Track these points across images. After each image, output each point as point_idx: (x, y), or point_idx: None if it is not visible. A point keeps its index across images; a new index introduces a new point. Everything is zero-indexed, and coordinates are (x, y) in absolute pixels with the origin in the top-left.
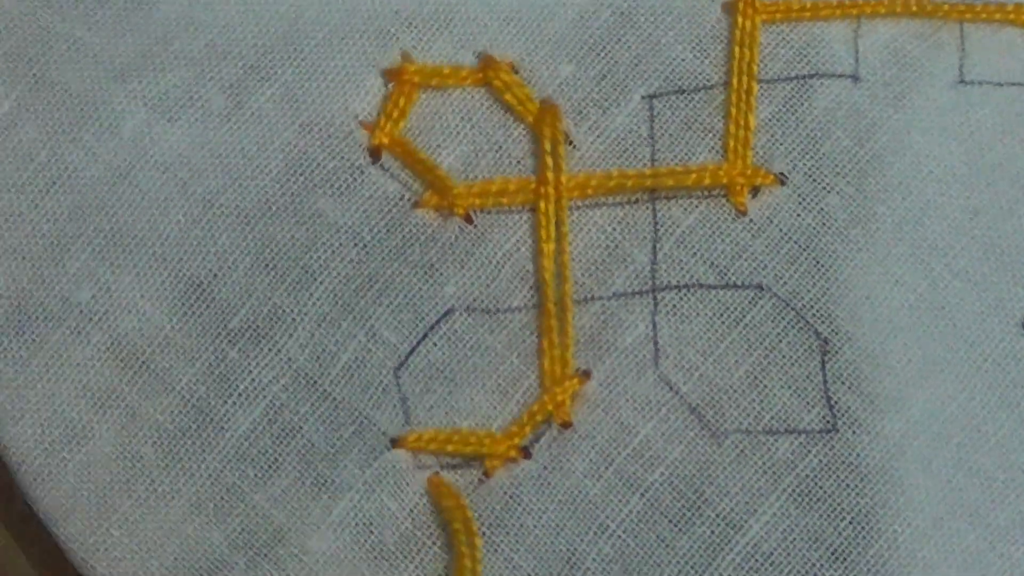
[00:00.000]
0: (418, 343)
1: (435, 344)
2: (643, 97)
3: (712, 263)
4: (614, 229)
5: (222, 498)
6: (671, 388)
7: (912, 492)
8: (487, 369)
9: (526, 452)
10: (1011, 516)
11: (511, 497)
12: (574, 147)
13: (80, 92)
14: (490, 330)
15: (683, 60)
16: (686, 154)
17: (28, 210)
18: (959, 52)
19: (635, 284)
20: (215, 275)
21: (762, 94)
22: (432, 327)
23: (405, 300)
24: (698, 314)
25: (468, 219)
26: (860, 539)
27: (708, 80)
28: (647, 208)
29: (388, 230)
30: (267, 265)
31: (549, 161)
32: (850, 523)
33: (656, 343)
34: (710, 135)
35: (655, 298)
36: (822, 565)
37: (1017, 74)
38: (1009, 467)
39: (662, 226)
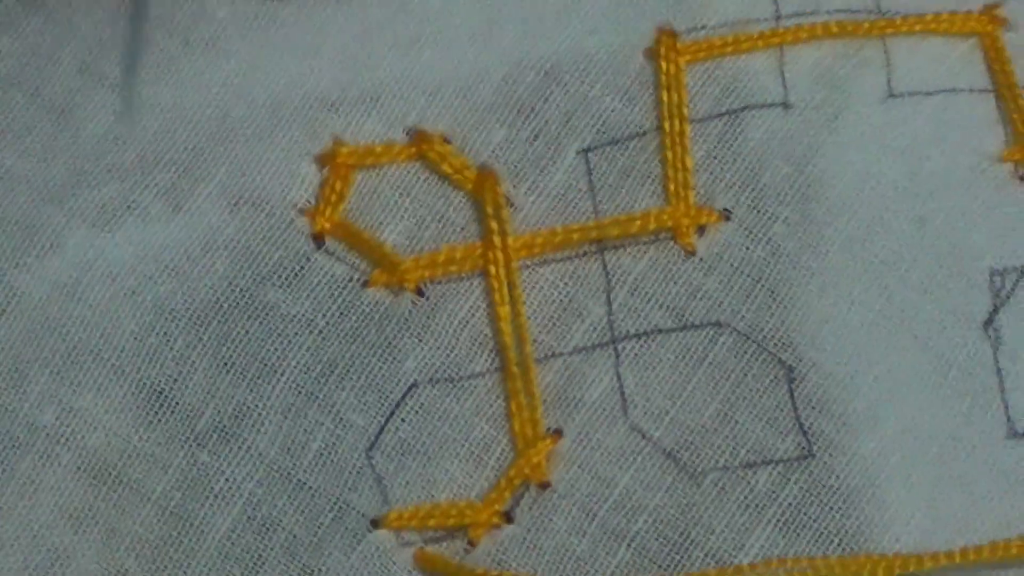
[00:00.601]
0: (386, 422)
1: (403, 420)
2: (578, 152)
3: (668, 307)
4: (566, 284)
5: None
6: (644, 436)
7: (896, 508)
8: (458, 438)
9: (508, 517)
10: (997, 520)
11: (498, 563)
12: (515, 209)
13: (18, 218)
14: (456, 399)
15: (613, 111)
16: (628, 202)
17: None
18: (885, 67)
19: (594, 337)
20: (175, 380)
21: (695, 134)
22: (398, 404)
23: (367, 381)
24: (661, 360)
25: (419, 292)
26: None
27: (640, 127)
28: (596, 260)
29: (341, 313)
30: (226, 363)
31: (493, 225)
32: (839, 545)
33: (623, 393)
34: (649, 180)
35: (616, 349)
36: None
37: (945, 81)
38: (990, 471)
39: (613, 276)
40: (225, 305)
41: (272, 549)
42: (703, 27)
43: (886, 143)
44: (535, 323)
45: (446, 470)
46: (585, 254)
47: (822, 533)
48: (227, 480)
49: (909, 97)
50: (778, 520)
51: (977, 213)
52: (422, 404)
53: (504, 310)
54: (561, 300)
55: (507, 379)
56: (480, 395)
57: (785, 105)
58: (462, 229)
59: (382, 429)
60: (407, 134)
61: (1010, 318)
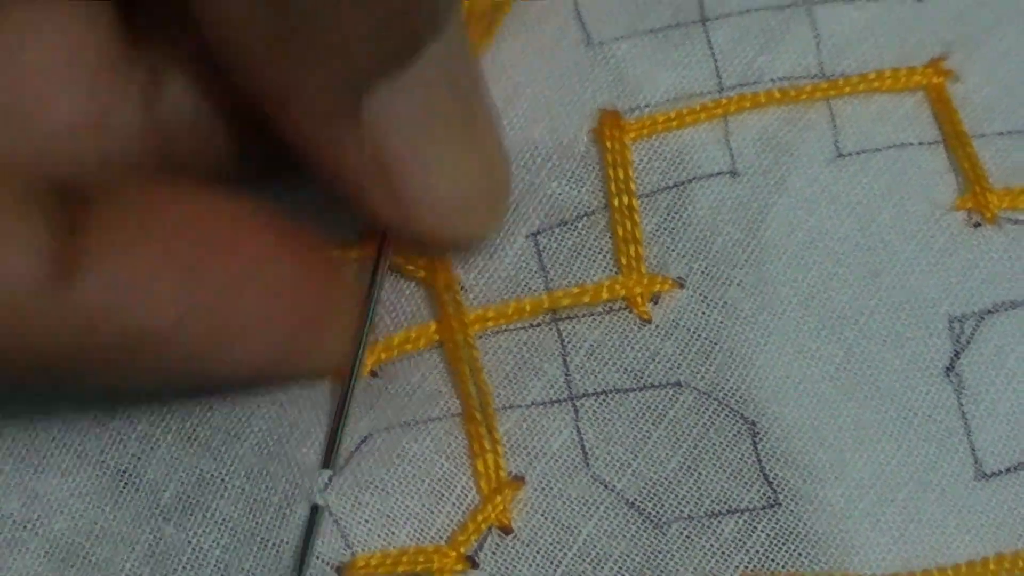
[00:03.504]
0: (343, 468)
1: (359, 464)
2: (527, 236)
3: (626, 369)
4: (521, 349)
5: None
6: (606, 486)
7: (866, 551)
8: (417, 475)
9: (473, 562)
10: (966, 560)
11: None
12: (466, 291)
13: None
14: (414, 439)
15: (560, 194)
16: (580, 278)
17: None
18: (832, 128)
19: (552, 394)
20: (139, 459)
21: (644, 207)
22: (353, 452)
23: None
24: (620, 416)
25: (373, 374)
26: None
27: (588, 207)
28: (551, 329)
29: (300, 390)
30: (189, 437)
31: (447, 297)
32: None
33: (583, 446)
34: (601, 255)
35: (575, 405)
36: None
37: (893, 136)
38: (958, 512)
39: (569, 342)
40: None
41: None
42: (646, 105)
43: (836, 201)
44: (492, 377)
45: (404, 506)
46: (539, 324)
47: None
48: (194, 550)
49: (857, 155)
50: (746, 566)
51: (931, 262)
52: (379, 446)
53: (463, 368)
54: (517, 361)
55: (468, 422)
56: (439, 436)
57: (732, 173)
58: (412, 316)
59: (337, 473)
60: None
61: (971, 362)
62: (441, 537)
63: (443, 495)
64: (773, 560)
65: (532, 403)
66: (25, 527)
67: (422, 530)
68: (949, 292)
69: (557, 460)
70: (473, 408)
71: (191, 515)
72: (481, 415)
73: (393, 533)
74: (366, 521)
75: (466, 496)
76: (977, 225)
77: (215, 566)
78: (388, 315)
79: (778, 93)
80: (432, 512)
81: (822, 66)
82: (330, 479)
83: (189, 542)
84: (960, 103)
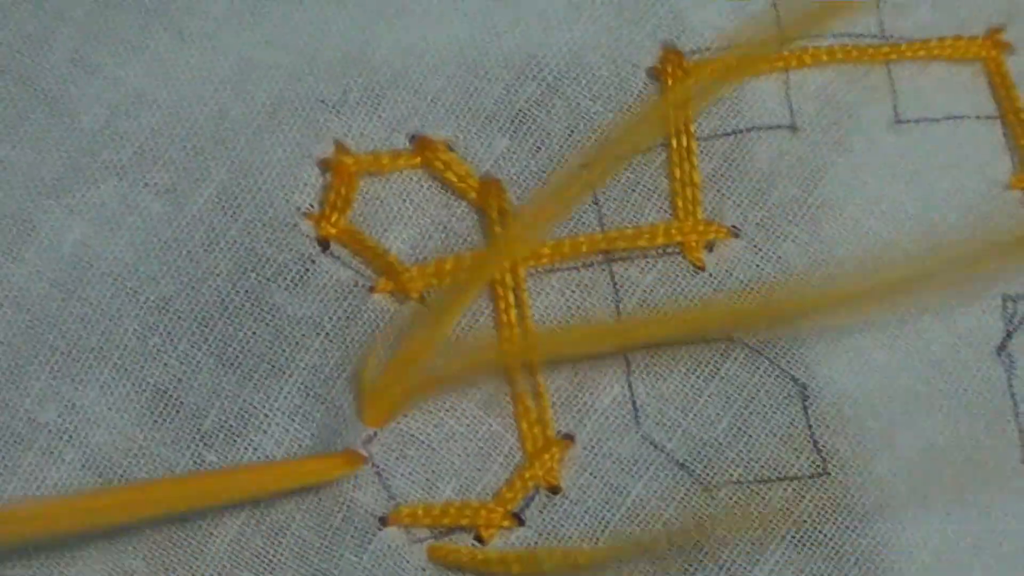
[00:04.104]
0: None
1: (407, 415)
2: (580, 166)
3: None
4: (574, 292)
5: None
6: (656, 447)
7: (912, 528)
8: (464, 432)
9: (519, 519)
10: (1014, 544)
11: (507, 565)
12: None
13: (15, 211)
14: (462, 394)
15: (616, 128)
16: (634, 216)
17: None
18: (891, 93)
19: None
20: (180, 380)
21: (701, 151)
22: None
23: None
24: (672, 371)
25: (423, 300)
26: None
27: (644, 145)
28: (604, 271)
29: (348, 318)
30: (232, 364)
31: (499, 231)
32: (855, 564)
33: (634, 403)
34: (655, 195)
35: (627, 358)
36: None
37: (950, 107)
38: (1004, 495)
39: (622, 287)
40: (230, 306)
41: (282, 553)
42: (706, 49)
43: (895, 168)
44: (541, 328)
45: (450, 462)
46: (592, 264)
47: (838, 551)
48: None
49: (916, 124)
50: (793, 536)
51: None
52: (427, 401)
53: (510, 315)
54: (568, 307)
55: (512, 379)
56: (487, 393)
57: (792, 127)
58: (466, 239)
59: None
60: (410, 140)
61: (1023, 344)
62: (487, 495)
63: (490, 454)
64: (820, 531)
65: (583, 356)
66: (62, 437)
67: (467, 487)
68: (1004, 271)
69: (607, 418)
70: (518, 365)
71: (233, 446)
72: (527, 371)
73: (437, 488)
74: (409, 474)
75: (514, 455)
76: None
77: (254, 504)
78: (439, 233)
79: (839, 51)
80: (479, 470)
81: (882, 25)
82: (375, 432)
83: None
84: (1018, 78)
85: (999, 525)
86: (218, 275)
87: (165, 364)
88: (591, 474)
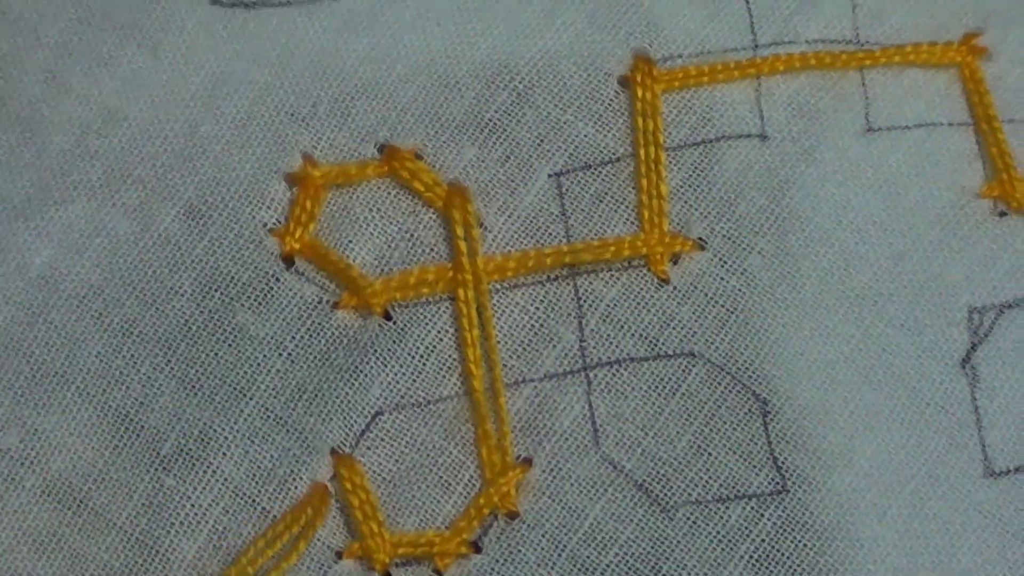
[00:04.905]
0: (352, 450)
1: (368, 448)
2: (550, 175)
3: (641, 335)
4: (537, 309)
5: None
6: (615, 467)
7: (871, 545)
8: (426, 464)
9: (476, 547)
10: (971, 559)
11: None
12: (486, 229)
13: None
14: (423, 423)
15: (586, 136)
16: (601, 228)
17: None
18: (863, 100)
19: (565, 364)
20: (141, 404)
21: (670, 162)
22: (363, 432)
23: (334, 407)
24: (633, 389)
25: (387, 316)
26: None
27: (613, 153)
28: (568, 284)
29: (310, 336)
30: (193, 387)
31: (463, 246)
32: None
33: (594, 423)
34: (623, 207)
35: (587, 376)
36: None
37: (924, 114)
38: (965, 510)
39: (585, 302)
40: (194, 327)
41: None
42: (679, 56)
43: (864, 177)
44: (505, 347)
45: (412, 496)
46: (557, 278)
47: (795, 570)
48: (193, 506)
49: (887, 131)
50: (751, 556)
51: (955, 250)
52: (388, 431)
53: (473, 334)
54: (532, 325)
55: (475, 404)
56: (448, 419)
57: (762, 136)
58: (432, 249)
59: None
60: (378, 149)
61: (988, 356)
62: (447, 524)
63: (451, 484)
64: (778, 550)
65: (545, 376)
66: (23, 463)
67: (428, 519)
68: (971, 282)
69: (567, 439)
70: (480, 387)
71: (193, 469)
72: (488, 394)
73: (398, 523)
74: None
75: (473, 485)
76: (1003, 214)
77: (213, 527)
78: (405, 242)
79: (813, 58)
80: (439, 502)
81: (857, 32)
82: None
83: (188, 497)
84: (992, 84)
85: (959, 540)
86: (182, 295)
87: (127, 388)
88: (549, 497)
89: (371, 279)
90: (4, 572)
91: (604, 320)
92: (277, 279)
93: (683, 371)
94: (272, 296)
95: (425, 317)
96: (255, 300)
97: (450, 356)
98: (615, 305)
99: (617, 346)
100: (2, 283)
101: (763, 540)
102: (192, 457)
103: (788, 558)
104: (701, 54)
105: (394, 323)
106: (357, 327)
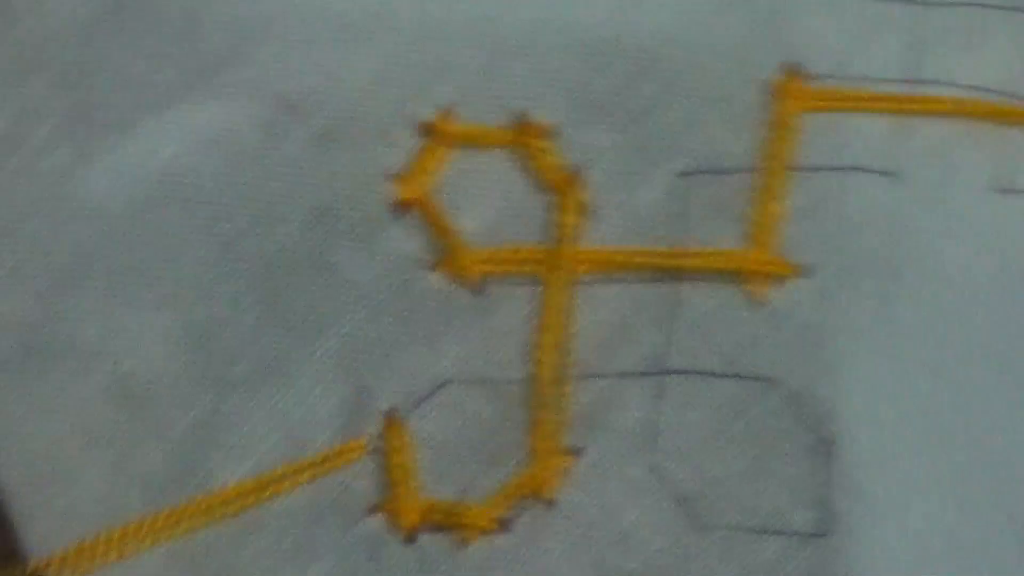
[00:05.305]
0: (408, 413)
1: (425, 414)
2: (677, 174)
3: (724, 352)
4: (627, 308)
5: (198, 553)
6: (663, 476)
7: None
8: (478, 440)
9: (504, 525)
10: None
11: (482, 571)
12: (597, 219)
13: (119, 120)
14: (487, 401)
15: (719, 139)
16: (712, 237)
17: (48, 240)
18: (1007, 158)
19: (642, 365)
20: (223, 321)
21: (798, 182)
22: (424, 399)
23: (403, 368)
24: (703, 402)
25: (479, 288)
26: None
27: (740, 163)
28: (666, 288)
29: (399, 292)
30: (276, 315)
31: (563, 233)
32: None
33: (656, 427)
34: (737, 220)
35: (661, 381)
36: None
37: None
38: None
39: (677, 309)
40: (293, 256)
41: (270, 516)
42: (828, 76)
43: (983, 238)
44: (584, 339)
45: (456, 468)
46: (654, 280)
47: None
48: (243, 436)
49: (1019, 195)
50: None
51: None
52: (450, 402)
53: (553, 320)
54: (618, 322)
55: (539, 389)
56: (512, 402)
57: (894, 176)
58: (538, 230)
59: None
60: (513, 119)
61: None
62: (482, 501)
63: (497, 463)
64: None
65: (619, 373)
66: (96, 357)
67: (465, 492)
68: None
69: (623, 437)
70: (548, 374)
71: (254, 398)
72: (554, 382)
73: (436, 491)
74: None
75: (521, 467)
76: None
77: (258, 460)
78: (515, 219)
79: (967, 104)
80: (481, 477)
81: (1016, 83)
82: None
83: (242, 426)
84: None
85: None
86: (290, 222)
87: (214, 302)
88: (589, 492)
89: (472, 248)
90: (49, 460)
91: (692, 330)
92: (383, 227)
93: (758, 395)
94: (374, 242)
95: (515, 296)
96: (357, 242)
97: (529, 339)
98: (706, 317)
99: (698, 357)
100: (125, 172)
101: None
102: (257, 386)
103: None
104: (850, 79)
105: (485, 296)
106: (447, 293)
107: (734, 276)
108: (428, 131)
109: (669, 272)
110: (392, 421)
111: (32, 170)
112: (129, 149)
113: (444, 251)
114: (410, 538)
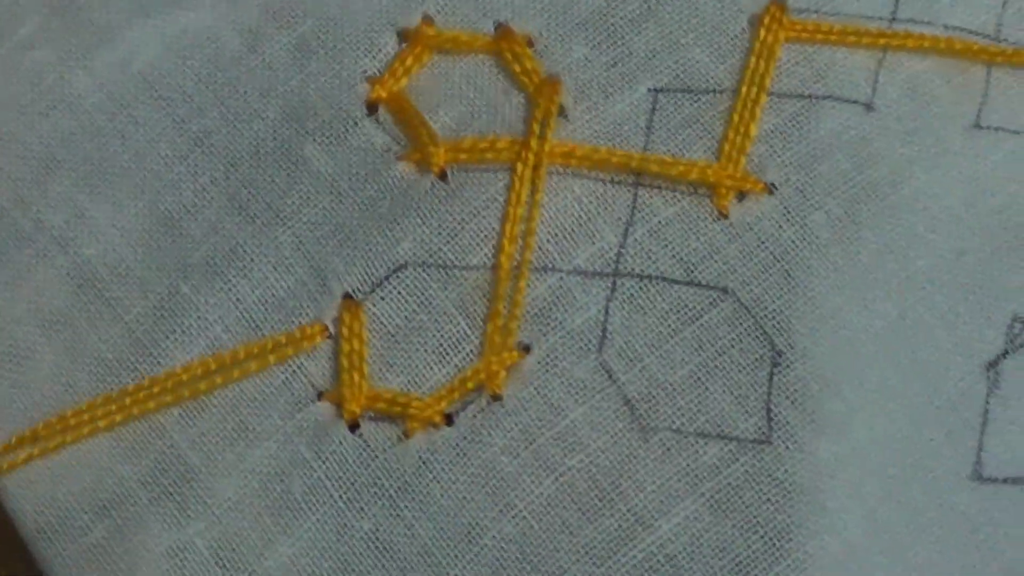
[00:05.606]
0: (364, 298)
1: (381, 298)
2: (649, 90)
3: (681, 259)
4: (590, 203)
5: (143, 434)
6: (610, 377)
7: (834, 516)
8: (431, 328)
9: (448, 419)
10: (929, 554)
11: (424, 463)
12: (567, 120)
13: (102, 22)
14: (442, 287)
15: (698, 61)
16: (680, 151)
17: (24, 131)
18: (981, 96)
19: (598, 264)
20: (187, 211)
21: (770, 106)
22: (380, 283)
23: (361, 252)
24: (654, 307)
25: (443, 176)
26: (768, 555)
27: (718, 85)
28: (628, 191)
29: (365, 180)
30: (240, 205)
31: (536, 127)
32: (762, 538)
33: (605, 328)
34: (708, 137)
35: (614, 283)
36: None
37: None
38: (939, 506)
39: (639, 212)
40: (262, 151)
41: (216, 397)
42: (813, 11)
43: (955, 170)
44: (545, 230)
45: (407, 357)
46: (620, 183)
47: (751, 522)
48: (198, 317)
49: (994, 131)
50: (711, 497)
51: (1020, 257)
52: (406, 286)
53: (517, 210)
54: (579, 216)
55: (497, 279)
56: (467, 290)
57: (868, 107)
58: (510, 126)
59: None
60: (495, 27)
61: (1016, 366)
62: (430, 393)
63: (448, 354)
64: (740, 498)
65: (574, 270)
66: (60, 243)
67: (414, 383)
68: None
69: (573, 336)
70: (507, 264)
71: (210, 282)
72: (513, 273)
73: (385, 379)
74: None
75: (471, 360)
76: None
77: (210, 343)
78: (488, 114)
79: (944, 42)
80: (431, 368)
81: (999, 28)
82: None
83: (197, 308)
84: None
85: (923, 534)
86: (263, 120)
87: (180, 194)
88: (535, 389)
89: (440, 139)
90: (5, 341)
91: (651, 234)
92: (356, 123)
93: (709, 303)
94: (346, 138)
95: (478, 183)
96: (328, 138)
97: (489, 227)
98: (667, 223)
99: (654, 262)
100: (104, 69)
101: (728, 484)
102: (214, 271)
103: (747, 508)
104: (835, 14)
105: (447, 184)
106: (411, 181)
107: (698, 187)
108: (408, 36)
109: (635, 175)
110: (349, 305)
111: (13, 64)
112: (111, 52)
113: (413, 142)
114: (353, 426)
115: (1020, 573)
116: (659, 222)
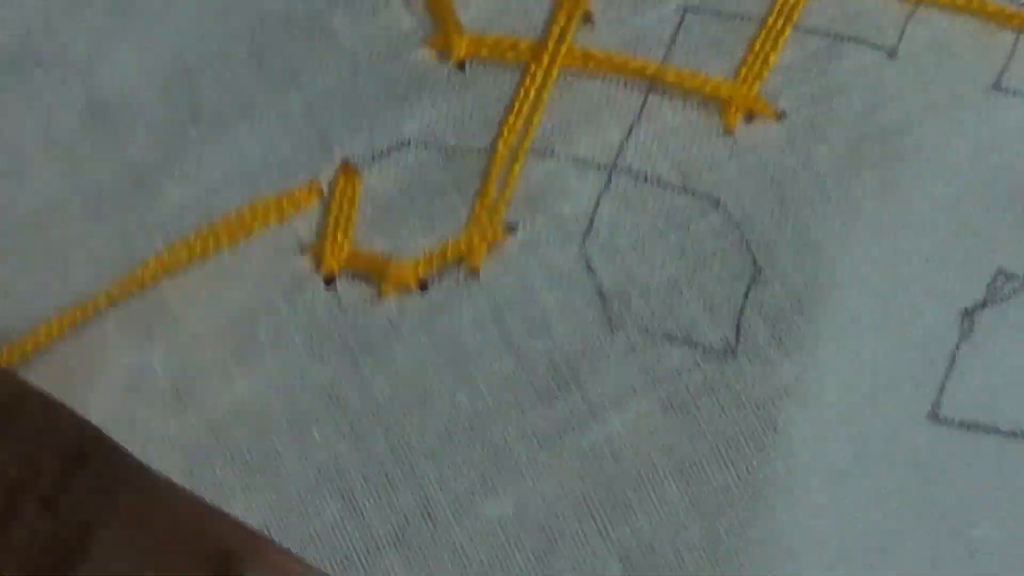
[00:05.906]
0: (365, 167)
1: (380, 170)
2: (678, 7)
3: (679, 165)
4: (598, 100)
5: (127, 267)
6: (588, 267)
7: (784, 435)
8: (424, 201)
9: (423, 285)
10: (873, 485)
11: (391, 324)
12: (592, 26)
13: None
14: (441, 166)
15: None
16: (698, 64)
17: None
18: (1005, 59)
19: (597, 155)
20: (209, 65)
21: (794, 39)
22: (382, 154)
23: (369, 124)
24: (645, 206)
25: (461, 67)
26: (712, 464)
27: (747, 12)
28: (638, 97)
29: (385, 59)
30: (261, 65)
31: (556, 30)
32: (709, 446)
33: (592, 220)
34: (727, 60)
35: (610, 177)
36: (664, 476)
37: None
38: (892, 440)
39: (646, 115)
40: (292, 16)
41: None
42: None
43: (966, 126)
44: (549, 120)
45: (394, 223)
46: (630, 87)
47: (701, 429)
48: (199, 162)
49: (1012, 95)
50: (667, 399)
51: (1017, 218)
52: (406, 161)
53: (525, 104)
54: (586, 111)
55: (493, 160)
56: (465, 167)
57: (891, 54)
58: (535, 28)
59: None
60: None
61: (992, 318)
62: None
63: (435, 226)
64: (695, 404)
65: (572, 157)
66: (79, 71)
67: (397, 249)
68: (1010, 249)
69: (559, 223)
70: (506, 145)
71: (217, 131)
72: (510, 154)
73: (369, 242)
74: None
75: (458, 231)
76: None
77: (207, 187)
78: (515, 14)
79: (977, 3)
80: (416, 237)
81: None
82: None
83: (200, 155)
84: None
85: (870, 464)
86: None
87: (204, 46)
88: (513, 269)
89: (464, 31)
90: (13, 165)
91: (654, 137)
92: (387, 3)
93: (699, 211)
94: (375, 15)
95: (495, 78)
96: (358, 13)
97: (496, 118)
98: (672, 131)
99: (653, 164)
100: None
101: (686, 389)
102: (224, 121)
103: (700, 414)
104: None
105: (464, 74)
106: (430, 67)
107: (710, 102)
108: None
109: (648, 84)
110: (347, 168)
111: None
112: None
113: (437, 29)
114: (329, 281)
115: (958, 518)
116: (664, 127)
